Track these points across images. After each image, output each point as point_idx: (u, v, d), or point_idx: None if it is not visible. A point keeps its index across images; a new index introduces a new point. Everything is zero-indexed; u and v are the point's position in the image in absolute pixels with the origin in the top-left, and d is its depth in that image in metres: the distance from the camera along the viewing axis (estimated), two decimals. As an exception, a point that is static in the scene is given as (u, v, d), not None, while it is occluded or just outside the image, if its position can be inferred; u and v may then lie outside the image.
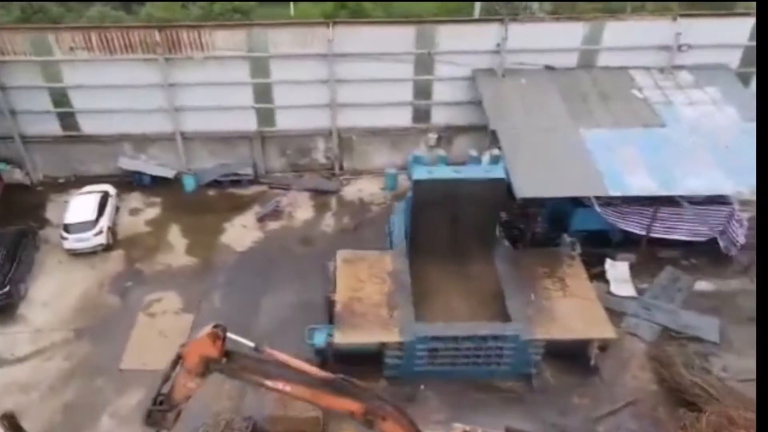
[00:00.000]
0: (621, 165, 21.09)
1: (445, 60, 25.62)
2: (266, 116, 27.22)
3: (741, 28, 25.13)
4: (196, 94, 26.11)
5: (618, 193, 20.48)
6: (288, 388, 11.12)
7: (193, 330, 19.43)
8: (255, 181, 27.72)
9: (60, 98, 26.46)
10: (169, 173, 27.47)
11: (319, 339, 17.86)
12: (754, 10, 24.72)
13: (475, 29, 25.65)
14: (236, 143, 27.54)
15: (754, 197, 22.48)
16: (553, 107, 23.86)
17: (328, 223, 25.67)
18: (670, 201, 21.30)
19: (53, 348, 20.04)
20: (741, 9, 29.41)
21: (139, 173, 27.36)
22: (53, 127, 26.91)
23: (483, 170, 18.90)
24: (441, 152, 20.69)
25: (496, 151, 19.50)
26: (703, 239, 22.36)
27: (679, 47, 25.03)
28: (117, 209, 25.62)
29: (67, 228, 23.38)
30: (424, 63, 26.02)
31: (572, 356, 18.55)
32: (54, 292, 22.15)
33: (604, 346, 18.41)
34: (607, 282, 21.64)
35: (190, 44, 24.90)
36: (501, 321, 18.02)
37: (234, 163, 27.72)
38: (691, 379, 17.13)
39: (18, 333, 20.58)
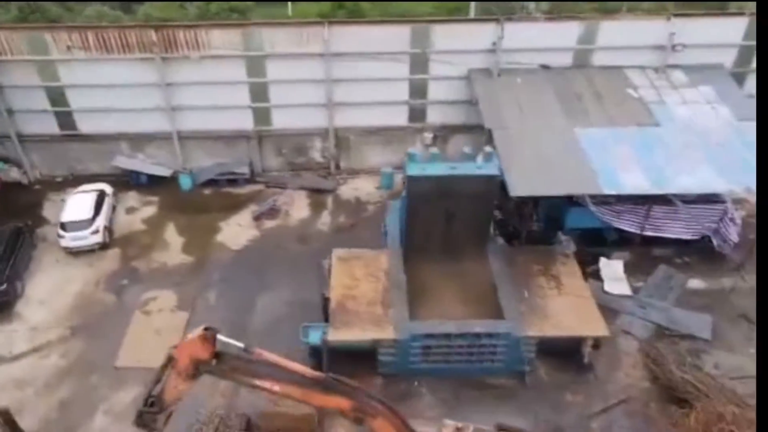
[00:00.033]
0: (615, 164, 21.18)
1: (441, 59, 25.72)
2: (263, 115, 27.31)
3: (735, 28, 25.23)
4: (192, 94, 26.22)
5: (611, 192, 20.58)
6: (278, 387, 11.24)
7: (188, 328, 19.53)
8: (251, 180, 27.83)
9: (57, 97, 26.54)
10: (166, 172, 27.56)
11: (314, 337, 17.93)
12: (748, 10, 24.96)
13: (471, 29, 25.72)
14: (233, 142, 27.64)
15: (746, 196, 22.74)
16: (548, 106, 23.95)
17: (324, 221, 25.77)
18: (664, 200, 21.43)
19: (49, 345, 20.13)
20: (734, 9, 29.53)
21: (136, 172, 27.45)
22: (50, 126, 27.01)
23: (476, 167, 18.99)
24: (435, 150, 20.75)
25: (488, 149, 19.57)
26: (696, 237, 22.48)
27: (674, 47, 25.11)
28: (114, 208, 25.71)
29: (63, 226, 23.49)
30: (420, 62, 26.12)
31: (566, 354, 18.64)
32: (51, 290, 22.25)
33: (598, 343, 18.47)
34: (601, 280, 21.75)
35: (186, 44, 25.00)
36: (495, 318, 18.12)
37: (230, 162, 27.82)
38: (682, 376, 17.23)
39: (15, 330, 20.67)
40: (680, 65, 25.48)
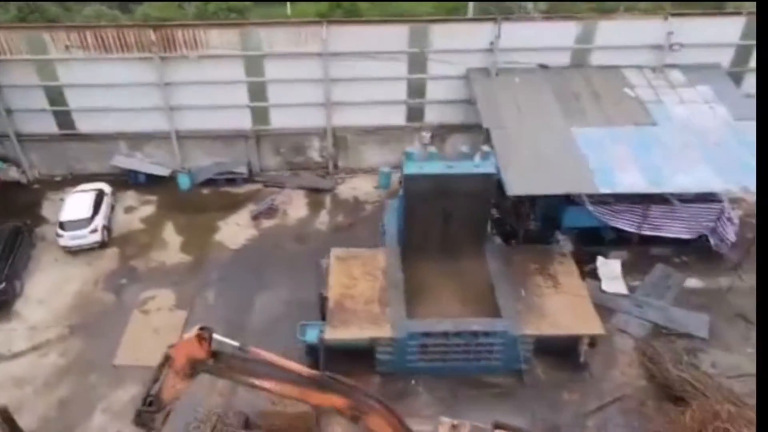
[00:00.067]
0: (612, 163, 21.20)
1: (439, 59, 25.75)
2: (261, 115, 27.35)
3: (732, 28, 25.26)
4: (191, 93, 26.26)
5: (608, 191, 20.61)
6: (274, 386, 11.31)
7: (186, 327, 19.60)
8: (250, 179, 27.87)
9: (56, 97, 26.58)
10: (164, 171, 27.60)
11: (311, 335, 18.00)
12: (745, 10, 25.01)
13: (469, 28, 25.76)
14: (231, 142, 27.68)
15: (743, 195, 22.81)
16: (545, 106, 23.99)
17: (323, 221, 25.82)
18: (661, 199, 21.49)
19: (48, 344, 20.18)
20: (732, 8, 29.58)
21: (135, 171, 27.49)
22: (49, 126, 27.05)
23: (474, 166, 19.03)
24: (432, 149, 20.79)
25: (485, 148, 19.62)
26: (693, 237, 22.53)
27: (671, 46, 25.15)
28: (112, 207, 25.75)
29: (62, 225, 23.54)
30: (418, 62, 26.16)
31: (562, 352, 18.69)
32: (49, 289, 22.30)
33: (594, 342, 18.54)
34: (598, 279, 21.80)
35: (185, 43, 25.04)
36: (492, 317, 18.17)
37: (229, 161, 27.86)
38: (679, 375, 17.28)
39: (14, 329, 20.73)
40: (678, 65, 25.52)
